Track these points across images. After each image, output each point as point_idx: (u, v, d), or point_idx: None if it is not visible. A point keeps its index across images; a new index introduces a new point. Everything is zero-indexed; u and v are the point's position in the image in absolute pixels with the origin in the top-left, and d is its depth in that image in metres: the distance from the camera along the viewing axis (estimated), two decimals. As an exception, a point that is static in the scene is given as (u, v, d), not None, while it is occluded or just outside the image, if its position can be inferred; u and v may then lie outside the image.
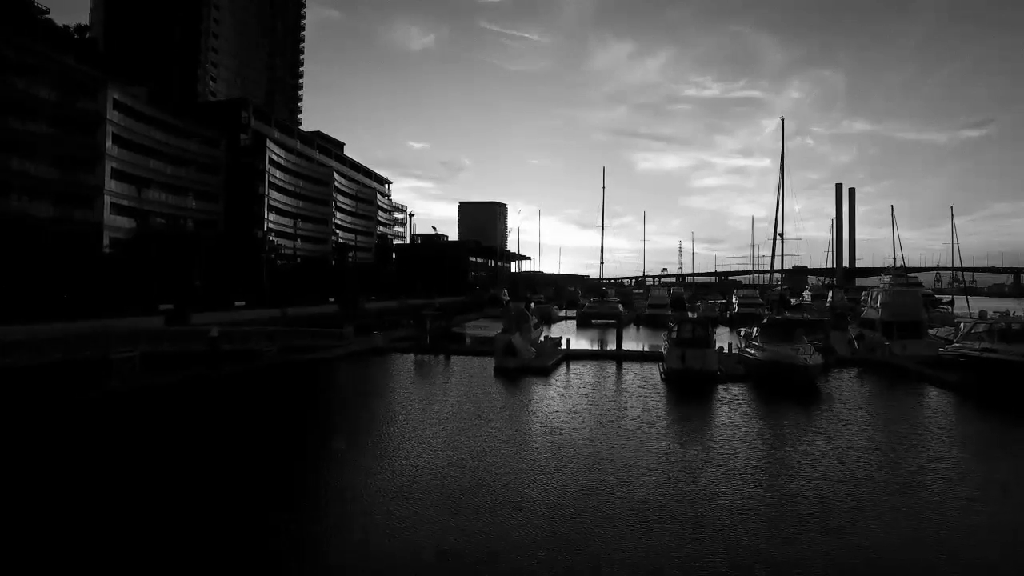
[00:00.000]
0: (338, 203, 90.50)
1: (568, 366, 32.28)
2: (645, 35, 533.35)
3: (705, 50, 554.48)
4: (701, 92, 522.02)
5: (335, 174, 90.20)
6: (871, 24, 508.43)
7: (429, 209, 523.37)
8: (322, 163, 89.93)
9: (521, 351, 28.41)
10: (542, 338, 42.56)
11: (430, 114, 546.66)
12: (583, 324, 62.26)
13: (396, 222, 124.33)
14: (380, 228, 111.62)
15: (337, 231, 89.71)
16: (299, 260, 71.58)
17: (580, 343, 51.06)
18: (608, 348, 36.40)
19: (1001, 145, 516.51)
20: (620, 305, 69.26)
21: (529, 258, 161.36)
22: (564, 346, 39.39)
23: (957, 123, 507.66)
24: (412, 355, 36.10)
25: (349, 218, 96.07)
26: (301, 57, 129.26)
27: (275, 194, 73.22)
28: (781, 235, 54.72)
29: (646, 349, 35.67)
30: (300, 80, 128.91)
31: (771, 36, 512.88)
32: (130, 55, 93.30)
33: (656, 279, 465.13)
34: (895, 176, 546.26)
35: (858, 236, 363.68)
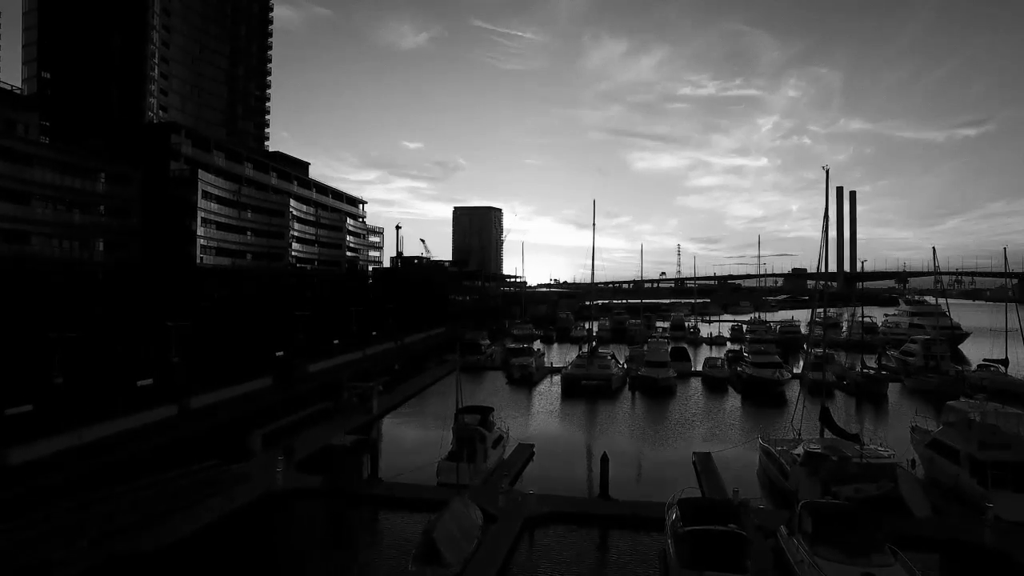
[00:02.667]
0: (296, 234, 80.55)
1: (531, 539, 22.51)
2: (639, 33, 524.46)
3: (700, 48, 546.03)
4: (696, 91, 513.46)
5: (293, 202, 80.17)
6: (868, 22, 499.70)
7: (425, 210, 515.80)
8: (279, 189, 79.97)
9: (447, 555, 18.55)
10: (505, 450, 32.73)
11: (424, 114, 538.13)
12: (569, 392, 52.42)
13: (372, 246, 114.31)
14: (351, 253, 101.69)
15: (296, 263, 79.80)
16: (237, 308, 61.64)
17: (564, 426, 41.66)
18: (593, 497, 26.38)
19: (998, 143, 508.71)
20: (613, 359, 59.49)
21: (519, 278, 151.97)
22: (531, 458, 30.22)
23: (954, 121, 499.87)
24: (325, 502, 26.38)
25: (311, 249, 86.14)
26: (268, 66, 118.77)
27: (213, 231, 63.28)
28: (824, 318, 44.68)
29: (641, 499, 25.73)
30: (267, 91, 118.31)
31: (767, 34, 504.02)
32: (67, 72, 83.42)
33: (655, 283, 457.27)
34: (892, 175, 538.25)
35: (845, 224, 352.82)
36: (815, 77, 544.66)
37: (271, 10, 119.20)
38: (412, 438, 38.22)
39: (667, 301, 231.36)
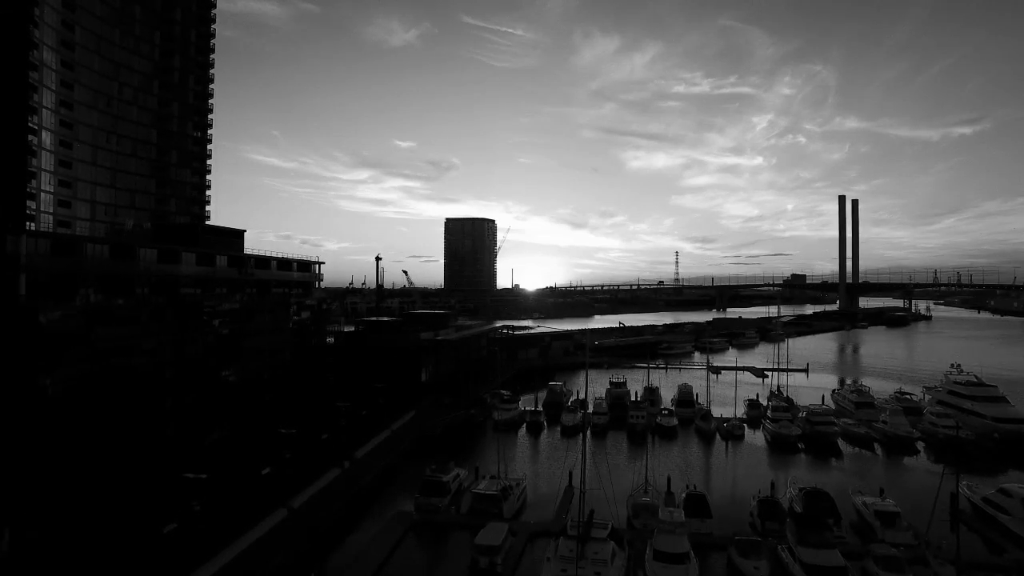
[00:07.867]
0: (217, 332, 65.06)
1: None
2: (631, 30, 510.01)
3: (693, 45, 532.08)
4: (690, 88, 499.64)
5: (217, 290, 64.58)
6: (862, 19, 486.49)
7: (419, 210, 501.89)
8: (200, 278, 64.34)
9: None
10: None
11: (415, 112, 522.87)
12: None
13: (329, 316, 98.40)
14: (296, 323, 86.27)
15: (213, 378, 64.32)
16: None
17: None
18: None
19: (993, 142, 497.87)
20: (611, 543, 43.28)
21: (523, 328, 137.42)
22: None
23: (949, 120, 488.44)
24: None
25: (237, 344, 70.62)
26: (210, 102, 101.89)
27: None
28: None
29: None
30: (209, 132, 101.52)
31: (761, 31, 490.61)
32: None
33: (655, 285, 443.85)
34: (887, 174, 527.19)
35: (848, 235, 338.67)
36: (810, 75, 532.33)
37: (212, 36, 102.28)
38: None
39: (665, 323, 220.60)
